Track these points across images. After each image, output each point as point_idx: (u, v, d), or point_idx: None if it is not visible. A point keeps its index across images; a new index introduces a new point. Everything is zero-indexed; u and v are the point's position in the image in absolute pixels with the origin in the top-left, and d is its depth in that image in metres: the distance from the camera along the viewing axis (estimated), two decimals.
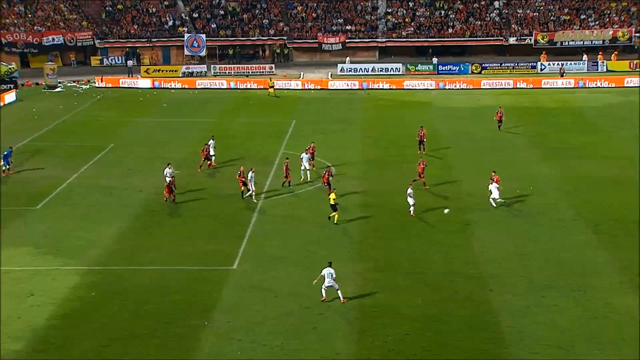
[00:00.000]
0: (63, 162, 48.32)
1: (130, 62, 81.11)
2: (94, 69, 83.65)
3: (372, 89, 73.72)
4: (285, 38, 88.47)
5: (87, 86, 75.74)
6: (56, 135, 56.38)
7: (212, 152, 47.16)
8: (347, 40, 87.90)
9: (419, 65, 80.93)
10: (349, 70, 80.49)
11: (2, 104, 65.31)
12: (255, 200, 40.51)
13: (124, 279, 31.71)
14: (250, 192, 40.80)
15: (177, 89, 74.87)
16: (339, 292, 29.60)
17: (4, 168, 45.18)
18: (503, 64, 79.88)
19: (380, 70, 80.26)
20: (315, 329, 27.75)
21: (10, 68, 72.58)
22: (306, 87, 74.50)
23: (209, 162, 46.53)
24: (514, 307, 28.98)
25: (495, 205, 39.23)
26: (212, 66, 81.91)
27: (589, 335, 27.17)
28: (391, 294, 30.36)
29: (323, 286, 29.54)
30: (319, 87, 74.45)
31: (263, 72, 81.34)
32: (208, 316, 28.59)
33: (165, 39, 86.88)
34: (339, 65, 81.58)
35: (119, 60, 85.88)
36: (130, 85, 75.49)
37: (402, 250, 34.58)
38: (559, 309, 28.83)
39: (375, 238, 36.10)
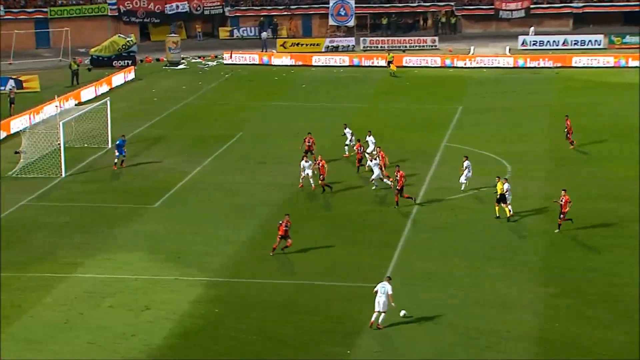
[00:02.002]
0: (184, 153, 50.05)
1: (264, 34, 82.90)
2: (222, 42, 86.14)
3: (562, 66, 72.09)
4: (452, 4, 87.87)
5: (214, 63, 78.09)
6: (177, 121, 58.47)
7: (349, 142, 47.67)
8: (531, 6, 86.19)
9: (627, 36, 78.16)
10: (533, 44, 79.04)
11: (118, 83, 68.45)
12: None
13: (251, 293, 32.43)
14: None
15: (319, 66, 75.88)
16: (382, 315, 29.24)
17: (116, 160, 47.34)
18: None
19: (575, 44, 78.31)
20: None
21: (128, 41, 75.61)
22: (476, 64, 73.75)
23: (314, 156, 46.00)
24: None
25: None
26: (361, 39, 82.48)
27: None
28: (581, 326, 29.61)
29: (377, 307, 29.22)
30: (492, 64, 73.51)
31: (424, 46, 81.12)
32: (350, 342, 28.82)
33: (307, 6, 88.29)
34: (520, 37, 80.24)
35: (251, 32, 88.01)
36: (264, 62, 77.24)
37: (594, 270, 33.74)
38: None
39: (561, 254, 35.48)
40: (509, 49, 78.65)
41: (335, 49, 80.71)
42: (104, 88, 65.94)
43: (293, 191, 43.05)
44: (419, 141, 50.81)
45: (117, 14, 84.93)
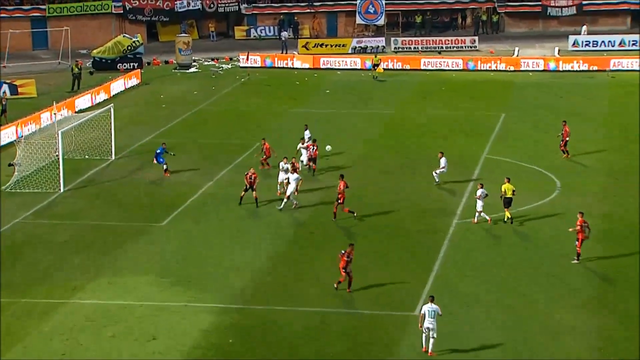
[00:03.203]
0: (196, 165, 50.17)
1: (285, 34, 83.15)
2: (238, 42, 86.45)
3: (617, 70, 71.81)
4: (494, 0, 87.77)
5: (229, 65, 78.34)
6: (188, 129, 58.64)
7: (304, 154, 48.59)
8: (584, 2, 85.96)
9: None
10: (586, 44, 78.90)
11: (122, 88, 68.82)
12: (295, 203, 42.28)
13: (271, 322, 32.34)
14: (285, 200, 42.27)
15: (345, 69, 75.99)
16: (431, 340, 29.34)
17: (165, 167, 47.91)
18: None
19: (633, 44, 78.01)
20: None
21: (134, 41, 76.00)
22: (522, 67, 73.65)
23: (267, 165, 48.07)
24: None
25: None
26: (392, 39, 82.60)
27: None
28: None
29: (423, 329, 29.53)
30: (538, 67, 73.39)
31: (462, 47, 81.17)
32: None
33: (332, 3, 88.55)
34: (570, 37, 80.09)
35: (270, 32, 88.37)
36: (284, 65, 77.40)
37: None
38: None
39: (614, 280, 35.30)
40: (558, 50, 78.46)
41: (363, 51, 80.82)
42: (107, 93, 66.28)
43: (319, 207, 42.98)
44: (456, 152, 50.69)
45: (121, 11, 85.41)
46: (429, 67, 74.88)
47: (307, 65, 76.81)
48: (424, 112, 61.88)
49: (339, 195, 41.49)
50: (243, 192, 43.30)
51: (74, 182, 47.47)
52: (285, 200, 42.99)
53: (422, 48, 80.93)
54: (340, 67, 75.68)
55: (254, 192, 43.15)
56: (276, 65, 77.25)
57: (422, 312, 29.77)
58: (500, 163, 49.26)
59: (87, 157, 51.47)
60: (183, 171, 49.09)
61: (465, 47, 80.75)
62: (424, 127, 57.77)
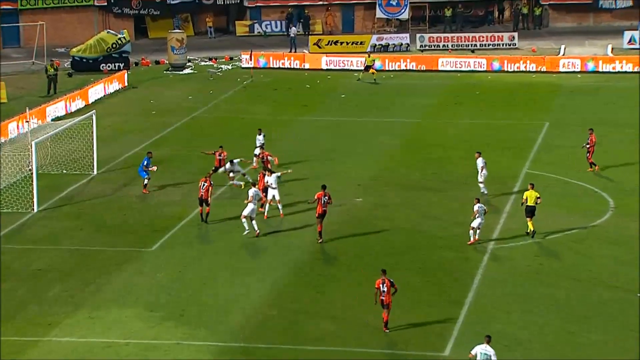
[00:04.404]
0: (191, 180, 50.11)
1: (293, 30, 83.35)
2: (240, 40, 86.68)
3: None
4: None
5: (229, 66, 78.51)
6: (182, 139, 58.76)
7: (257, 151, 50.65)
8: None
9: None
10: None
11: (106, 92, 68.99)
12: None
13: None
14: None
15: (363, 70, 76.04)
16: None
17: (145, 182, 48.23)
18: None
19: None
20: None
21: (120, 38, 76.26)
22: (568, 68, 73.67)
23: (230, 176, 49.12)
24: None
25: None
26: (418, 36, 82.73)
27: None
28: None
29: None
30: (588, 68, 73.40)
31: (499, 44, 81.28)
32: None
33: None
34: (626, 33, 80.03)
35: (277, 27, 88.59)
36: (293, 66, 77.53)
37: None
38: None
39: None
40: (612, 48, 78.43)
41: (384, 49, 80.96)
42: (89, 98, 66.47)
43: (331, 229, 43.00)
44: (493, 166, 50.57)
45: (105, 4, 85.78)
46: (461, 68, 75.01)
47: (319, 66, 76.86)
48: (455, 120, 61.93)
49: (320, 209, 41.62)
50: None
51: (50, 200, 47.59)
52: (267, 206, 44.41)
53: (452, 46, 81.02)
54: (358, 67, 75.74)
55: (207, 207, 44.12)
56: (283, 66, 77.33)
57: (474, 352, 29.67)
58: (543, 179, 49.21)
59: (65, 171, 51.63)
60: (175, 188, 49.14)
61: (502, 44, 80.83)
62: (454, 138, 57.78)
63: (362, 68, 73.29)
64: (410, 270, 39.13)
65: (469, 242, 41.25)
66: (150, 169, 48.40)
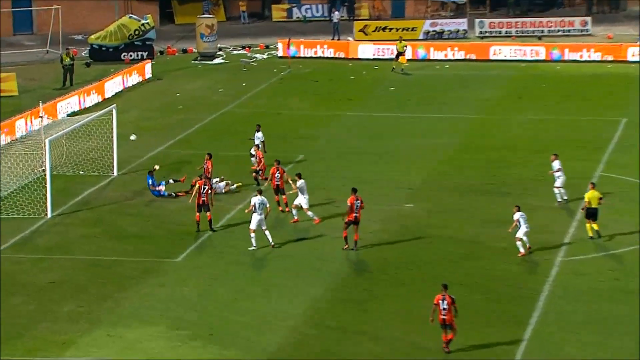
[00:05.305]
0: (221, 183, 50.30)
1: (337, 15, 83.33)
2: (277, 26, 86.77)
3: None
4: None
5: (265, 55, 78.58)
6: (212, 137, 58.89)
7: (253, 151, 50.16)
8: None
9: None
10: None
11: (127, 84, 69.26)
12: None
13: None
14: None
15: (416, 60, 75.96)
16: None
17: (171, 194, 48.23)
18: None
19: None
20: None
21: (143, 24, 76.53)
22: None
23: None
24: None
25: None
26: (477, 21, 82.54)
27: None
28: None
29: None
30: None
31: (570, 30, 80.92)
32: None
33: None
34: None
35: (318, 12, 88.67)
36: (335, 55, 77.47)
37: None
38: None
39: None
40: None
41: (439, 36, 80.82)
42: (108, 91, 66.71)
43: (376, 238, 42.93)
44: (563, 169, 50.38)
45: None
46: (526, 57, 74.68)
47: (365, 55, 76.80)
48: (519, 116, 61.72)
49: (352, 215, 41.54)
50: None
51: (64, 205, 47.81)
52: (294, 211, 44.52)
53: (516, 32, 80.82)
54: (408, 57, 75.59)
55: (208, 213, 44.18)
56: (325, 55, 77.31)
57: None
58: (620, 183, 48.90)
59: (82, 172, 51.87)
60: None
61: (573, 30, 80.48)
62: (518, 137, 57.64)
63: (394, 56, 73.15)
64: (466, 286, 38.89)
65: (520, 254, 41.05)
66: (158, 188, 48.30)
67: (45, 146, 47.69)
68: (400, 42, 73.34)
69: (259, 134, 52.12)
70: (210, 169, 48.19)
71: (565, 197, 46.61)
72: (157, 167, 49.27)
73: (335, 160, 53.58)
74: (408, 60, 73.03)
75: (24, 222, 45.66)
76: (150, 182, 48.33)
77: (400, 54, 72.34)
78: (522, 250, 41.07)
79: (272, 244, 42.28)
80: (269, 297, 38.28)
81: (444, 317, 33.19)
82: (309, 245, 43.03)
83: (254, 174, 49.35)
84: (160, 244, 43.54)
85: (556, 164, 46.80)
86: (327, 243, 42.94)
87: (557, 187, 46.68)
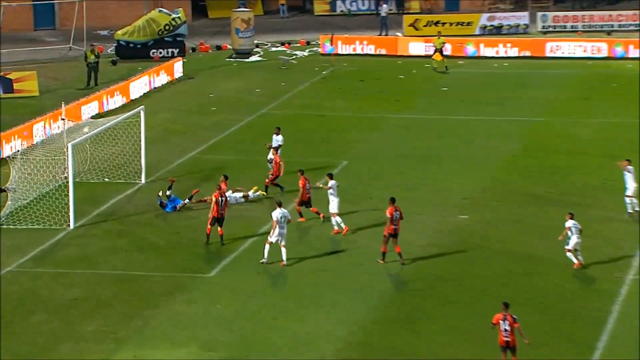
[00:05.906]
0: (257, 191, 50.18)
1: (384, 8, 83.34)
2: (318, 20, 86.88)
3: None
4: None
5: (306, 52, 78.63)
6: (248, 141, 58.92)
7: (271, 155, 50.02)
8: None
9: None
10: None
11: (156, 84, 69.35)
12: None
13: None
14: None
15: (471, 57, 75.91)
16: None
17: (184, 203, 48.19)
18: None
19: None
20: None
21: (174, 19, 76.77)
22: None
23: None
24: None
25: None
26: (539, 15, 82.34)
27: None
28: None
29: None
30: None
31: None
32: None
33: None
34: None
35: (364, 5, 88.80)
36: (383, 52, 77.40)
37: None
38: None
39: None
40: None
41: (497, 31, 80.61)
42: (137, 90, 66.85)
43: (427, 253, 42.81)
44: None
45: None
46: (590, 55, 74.31)
47: (415, 52, 76.66)
48: (586, 119, 61.57)
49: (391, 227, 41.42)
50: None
51: (88, 215, 47.91)
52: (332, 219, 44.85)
53: (582, 27, 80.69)
54: (460, 54, 75.41)
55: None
56: (372, 52, 77.22)
57: None
58: None
59: (107, 179, 51.98)
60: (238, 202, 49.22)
61: None
62: (584, 143, 57.46)
63: (432, 53, 73.10)
64: (525, 305, 38.54)
65: (575, 266, 40.85)
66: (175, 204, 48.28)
67: (67, 151, 47.81)
68: (439, 38, 73.14)
69: (279, 137, 51.96)
70: (224, 191, 47.97)
71: (637, 208, 46.17)
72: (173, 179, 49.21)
73: (381, 167, 53.46)
74: (445, 57, 72.64)
75: (44, 234, 45.75)
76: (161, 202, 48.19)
77: (438, 50, 72.10)
78: (575, 260, 40.72)
79: (285, 262, 42.10)
80: (309, 316, 38.15)
81: (507, 339, 32.77)
82: (349, 259, 42.81)
83: (271, 181, 49.37)
84: (191, 258, 43.53)
85: (629, 171, 46.29)
86: (371, 257, 42.68)
87: (629, 197, 46.18)
